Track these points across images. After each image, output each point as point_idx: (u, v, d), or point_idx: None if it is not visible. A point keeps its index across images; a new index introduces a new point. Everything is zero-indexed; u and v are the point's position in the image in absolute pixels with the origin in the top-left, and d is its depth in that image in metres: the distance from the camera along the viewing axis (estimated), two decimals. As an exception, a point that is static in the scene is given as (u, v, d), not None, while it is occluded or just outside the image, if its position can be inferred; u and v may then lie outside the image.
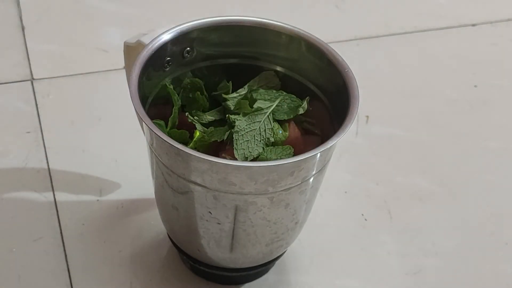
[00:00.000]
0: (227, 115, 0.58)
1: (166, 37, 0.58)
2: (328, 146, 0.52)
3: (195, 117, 0.58)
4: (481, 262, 0.68)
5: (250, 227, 0.56)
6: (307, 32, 0.60)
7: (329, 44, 0.59)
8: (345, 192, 0.73)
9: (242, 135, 0.56)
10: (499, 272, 0.67)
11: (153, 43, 0.57)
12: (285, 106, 0.59)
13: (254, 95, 0.59)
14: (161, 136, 0.52)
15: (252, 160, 0.56)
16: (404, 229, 0.70)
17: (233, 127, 0.56)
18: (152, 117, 0.55)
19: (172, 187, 0.56)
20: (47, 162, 0.71)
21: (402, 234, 0.69)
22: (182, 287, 0.63)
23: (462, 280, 0.67)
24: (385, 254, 0.68)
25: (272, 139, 0.57)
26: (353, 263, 0.67)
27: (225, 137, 0.56)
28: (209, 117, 0.59)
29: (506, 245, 0.69)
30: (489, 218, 0.71)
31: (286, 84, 0.62)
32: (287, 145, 0.57)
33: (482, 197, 0.73)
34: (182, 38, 0.59)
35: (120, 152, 0.73)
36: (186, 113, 0.58)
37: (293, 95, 0.60)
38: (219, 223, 0.56)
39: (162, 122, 0.57)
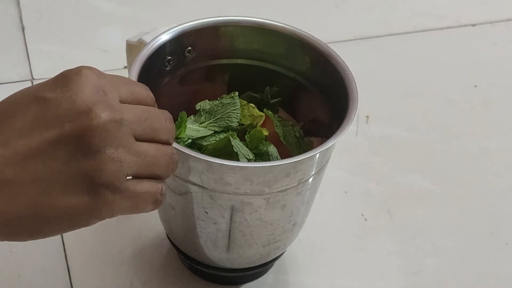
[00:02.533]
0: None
1: (166, 36, 0.58)
2: (325, 148, 0.52)
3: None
4: (481, 262, 0.68)
5: (247, 228, 0.56)
6: (306, 33, 0.60)
7: (329, 44, 0.59)
8: (345, 192, 0.73)
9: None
10: (499, 272, 0.67)
11: (153, 42, 0.57)
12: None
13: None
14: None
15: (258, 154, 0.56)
16: (404, 229, 0.70)
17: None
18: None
19: (169, 187, 0.55)
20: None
21: (402, 234, 0.69)
22: (181, 287, 0.63)
23: (462, 280, 0.67)
24: (385, 254, 0.68)
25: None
26: (353, 263, 0.67)
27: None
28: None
29: (506, 245, 0.69)
30: (489, 218, 0.71)
31: (286, 85, 0.62)
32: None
33: (482, 197, 0.73)
34: (183, 38, 0.59)
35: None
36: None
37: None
38: (216, 223, 0.56)
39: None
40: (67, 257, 0.65)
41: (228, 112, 0.59)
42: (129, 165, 0.42)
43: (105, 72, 0.45)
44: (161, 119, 0.45)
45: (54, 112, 0.41)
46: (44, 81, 0.43)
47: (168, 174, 0.45)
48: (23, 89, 0.43)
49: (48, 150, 0.40)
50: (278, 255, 0.62)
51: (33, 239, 0.42)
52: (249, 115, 0.60)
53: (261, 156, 0.57)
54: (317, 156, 0.53)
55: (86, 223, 0.42)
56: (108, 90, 0.42)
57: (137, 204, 0.43)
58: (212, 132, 0.59)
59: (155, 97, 0.47)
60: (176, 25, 0.59)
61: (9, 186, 0.40)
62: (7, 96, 0.43)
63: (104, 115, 0.41)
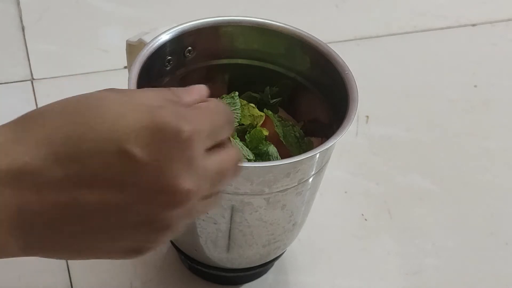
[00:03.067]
0: None
1: (166, 36, 0.58)
2: (325, 148, 0.52)
3: None
4: (481, 262, 0.68)
5: (247, 228, 0.56)
6: (306, 33, 0.60)
7: (329, 44, 0.59)
8: (345, 192, 0.73)
9: None
10: (499, 272, 0.67)
11: (153, 42, 0.57)
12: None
13: None
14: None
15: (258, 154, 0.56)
16: (404, 229, 0.70)
17: None
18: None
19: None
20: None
21: (402, 234, 0.69)
22: (181, 287, 0.63)
23: (462, 280, 0.67)
24: (385, 254, 0.68)
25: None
26: (353, 263, 0.67)
27: None
28: None
29: (506, 245, 0.69)
30: (489, 218, 0.71)
31: (286, 85, 0.62)
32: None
33: (482, 197, 0.73)
34: (183, 38, 0.59)
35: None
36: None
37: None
38: (216, 223, 0.56)
39: None
40: (67, 257, 0.65)
41: None
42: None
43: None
44: (227, 132, 0.42)
45: (138, 179, 0.37)
46: (131, 125, 0.38)
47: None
48: (101, 130, 0.37)
49: (122, 208, 0.38)
50: (278, 255, 0.62)
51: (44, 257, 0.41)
52: (249, 115, 0.60)
53: (261, 156, 0.57)
54: (317, 156, 0.53)
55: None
56: (199, 160, 0.39)
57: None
58: None
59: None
60: (176, 25, 0.59)
61: (59, 228, 0.38)
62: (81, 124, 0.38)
63: (189, 196, 0.38)
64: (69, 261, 0.64)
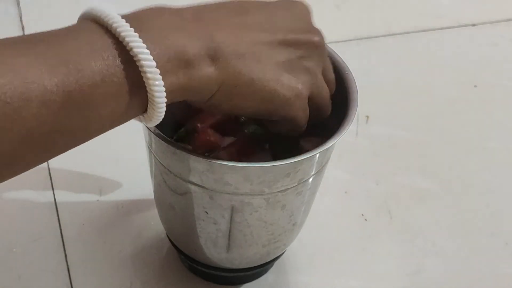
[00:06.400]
0: None
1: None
2: (325, 148, 0.52)
3: None
4: (481, 262, 0.68)
5: (247, 228, 0.56)
6: (306, 33, 0.60)
7: (329, 44, 0.59)
8: (345, 192, 0.73)
9: None
10: (499, 272, 0.67)
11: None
12: None
13: None
14: (158, 135, 0.52)
15: None
16: (404, 229, 0.70)
17: None
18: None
19: (169, 186, 0.55)
20: (47, 162, 0.71)
21: (402, 234, 0.69)
22: (181, 287, 0.63)
23: (462, 280, 0.67)
24: (385, 254, 0.68)
25: None
26: (353, 263, 0.67)
27: None
28: None
29: (506, 245, 0.69)
30: (489, 218, 0.71)
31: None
32: None
33: (482, 197, 0.73)
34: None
35: (120, 152, 0.73)
36: None
37: None
38: (216, 223, 0.56)
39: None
40: (67, 257, 0.65)
41: None
42: None
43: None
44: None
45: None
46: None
47: None
48: None
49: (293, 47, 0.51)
50: (278, 255, 0.62)
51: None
52: None
53: None
54: (317, 156, 0.53)
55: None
56: None
57: None
58: None
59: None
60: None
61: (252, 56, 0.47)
62: None
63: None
64: (69, 261, 0.64)
